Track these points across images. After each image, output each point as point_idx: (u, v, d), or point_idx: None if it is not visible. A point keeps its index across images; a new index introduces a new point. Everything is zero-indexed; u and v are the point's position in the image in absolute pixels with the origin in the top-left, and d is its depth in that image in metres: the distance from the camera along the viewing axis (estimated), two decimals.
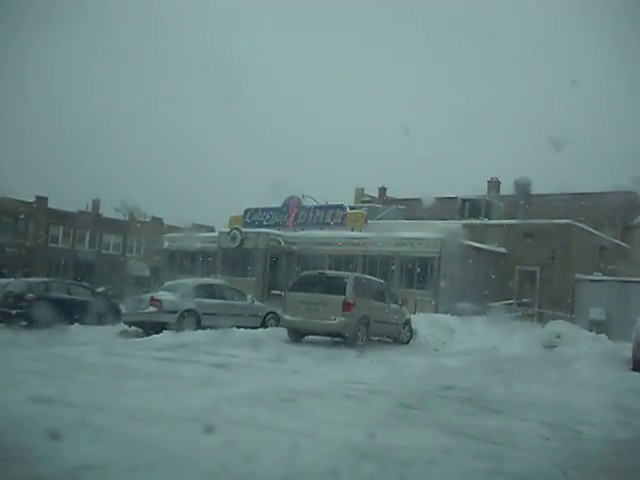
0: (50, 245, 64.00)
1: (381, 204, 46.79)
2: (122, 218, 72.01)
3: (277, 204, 37.96)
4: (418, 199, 44.37)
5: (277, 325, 21.42)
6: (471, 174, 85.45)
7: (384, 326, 20.08)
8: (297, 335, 19.52)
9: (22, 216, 61.03)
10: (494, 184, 47.70)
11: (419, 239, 30.25)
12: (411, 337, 21.11)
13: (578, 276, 31.45)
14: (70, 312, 21.23)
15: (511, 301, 30.43)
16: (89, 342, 17.17)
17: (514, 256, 32.18)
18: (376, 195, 53.25)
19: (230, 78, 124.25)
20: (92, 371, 11.56)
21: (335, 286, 19.33)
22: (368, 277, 22.81)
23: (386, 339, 20.46)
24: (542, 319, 26.68)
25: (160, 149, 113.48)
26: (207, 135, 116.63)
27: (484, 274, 30.24)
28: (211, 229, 43.49)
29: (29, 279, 26.42)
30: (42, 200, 62.98)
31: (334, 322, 18.56)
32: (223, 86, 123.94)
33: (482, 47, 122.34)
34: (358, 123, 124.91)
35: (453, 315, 24.21)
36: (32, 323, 21.07)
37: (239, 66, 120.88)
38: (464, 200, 39.72)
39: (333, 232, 33.50)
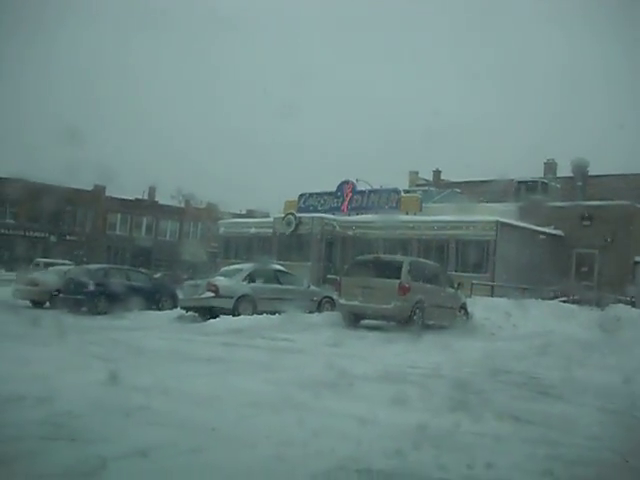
0: (108, 232, 65.07)
1: (436, 187, 46.45)
2: (178, 205, 72.79)
3: (331, 189, 37.97)
4: (473, 182, 44.03)
5: (333, 309, 21.46)
6: (527, 156, 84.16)
7: (440, 310, 19.94)
8: (353, 319, 19.52)
9: (81, 204, 62.10)
10: (550, 165, 46.95)
11: (474, 222, 29.99)
12: (467, 321, 20.95)
13: (639, 259, 30.88)
14: (128, 298, 21.56)
15: (569, 284, 29.96)
16: (147, 327, 17.44)
17: (572, 239, 31.70)
18: (431, 178, 52.90)
19: (285, 62, 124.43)
20: (151, 356, 11.74)
21: (390, 270, 19.28)
22: (423, 261, 22.72)
23: (442, 323, 20.35)
24: (601, 303, 26.24)
25: (215, 136, 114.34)
26: (261, 121, 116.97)
27: (541, 257, 29.85)
28: (266, 215, 43.76)
29: (89, 266, 26.91)
30: (100, 188, 64.00)
31: (389, 306, 18.54)
32: (279, 71, 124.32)
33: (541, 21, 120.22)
34: (412, 105, 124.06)
35: (509, 299, 23.95)
36: (92, 309, 21.51)
37: (293, 50, 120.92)
38: (520, 182, 39.24)
39: (388, 216, 33.37)
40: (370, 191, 36.95)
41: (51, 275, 25.25)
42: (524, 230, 30.32)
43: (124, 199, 65.19)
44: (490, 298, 25.12)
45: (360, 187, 37.46)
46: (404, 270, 19.18)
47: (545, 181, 40.36)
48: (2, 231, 59.38)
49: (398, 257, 21.96)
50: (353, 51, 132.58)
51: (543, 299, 24.56)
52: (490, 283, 28.09)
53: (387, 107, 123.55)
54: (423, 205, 34.72)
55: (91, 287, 22.05)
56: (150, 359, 11.28)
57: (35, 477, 4.88)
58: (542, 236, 31.08)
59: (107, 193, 64.37)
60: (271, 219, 37.70)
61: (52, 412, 6.69)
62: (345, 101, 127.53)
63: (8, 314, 20.57)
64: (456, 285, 21.53)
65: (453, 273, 26.31)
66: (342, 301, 19.66)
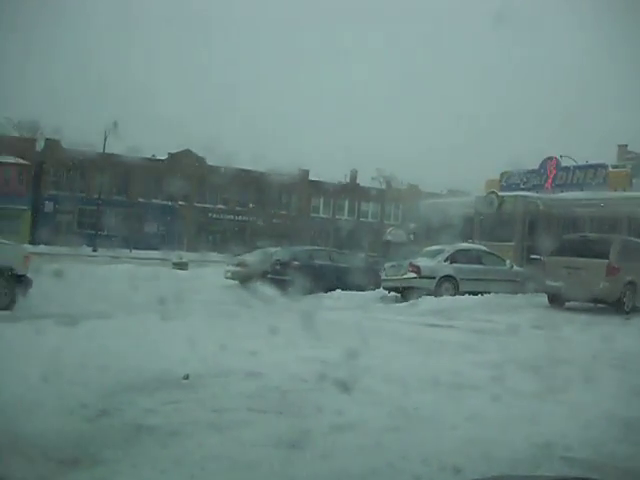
0: (312, 215, 66.99)
1: None
2: (379, 186, 73.58)
3: (534, 166, 37.02)
4: None
5: (537, 291, 20.96)
6: None
7: None
8: (558, 301, 18.98)
9: (286, 189, 64.37)
10: None
11: None
12: None
13: None
14: (332, 278, 22.14)
15: None
16: (351, 307, 17.80)
17: None
18: None
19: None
20: (354, 335, 11.99)
21: (598, 250, 18.54)
22: (635, 240, 21.62)
23: None
24: None
25: (414, 116, 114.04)
26: (465, 101, 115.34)
27: None
28: (467, 194, 43.31)
29: (294, 247, 27.79)
30: (304, 173, 65.97)
31: (597, 287, 17.82)
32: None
33: None
34: (621, 73, 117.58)
35: None
36: (298, 289, 22.24)
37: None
38: None
39: (595, 193, 32.06)
40: (575, 167, 35.66)
41: (259, 257, 26.36)
42: None
43: (327, 182, 66.75)
44: None
45: (564, 163, 36.27)
46: (613, 250, 18.39)
47: None
48: (214, 216, 62.76)
49: (607, 236, 21.05)
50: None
51: None
52: None
53: (590, 75, 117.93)
54: (633, 181, 33.02)
55: (296, 267, 22.83)
56: (353, 338, 11.51)
57: (246, 445, 5.20)
58: None
59: (310, 177, 66.26)
60: (472, 199, 37.30)
61: (261, 386, 7.09)
62: (547, 74, 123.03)
63: (222, 294, 21.71)
64: None
65: None
66: (547, 282, 19.14)
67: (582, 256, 18.42)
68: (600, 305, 18.48)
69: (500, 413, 6.38)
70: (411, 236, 46.53)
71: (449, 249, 21.98)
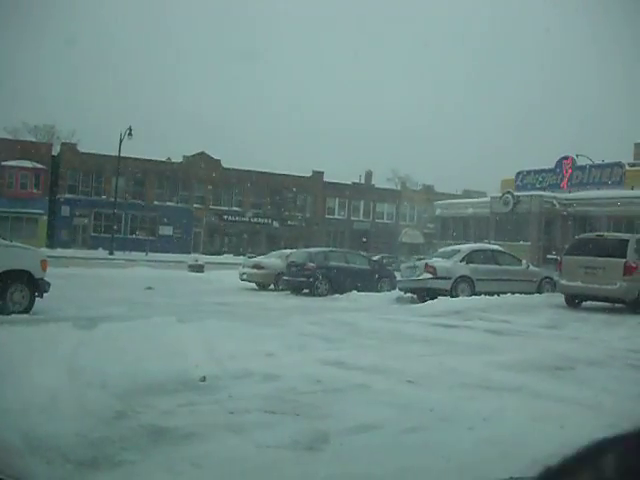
0: (327, 216, 66.99)
1: None
2: (394, 187, 73.59)
3: (550, 165, 36.89)
4: None
5: (553, 290, 20.88)
6: None
7: None
8: (574, 301, 18.90)
9: (301, 190, 64.49)
10: None
11: None
12: None
13: None
14: (348, 280, 22.19)
15: None
16: (366, 308, 17.80)
17: None
18: None
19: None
20: (370, 336, 11.99)
21: (615, 249, 18.40)
22: None
23: None
24: None
25: (429, 117, 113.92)
26: (480, 102, 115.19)
27: None
28: (482, 194, 43.28)
29: (309, 249, 27.83)
30: (318, 174, 66.06)
31: (614, 287, 17.69)
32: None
33: None
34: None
35: None
36: (313, 290, 22.31)
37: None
38: None
39: (611, 192, 31.89)
40: (591, 166, 35.51)
41: (275, 259, 26.45)
42: None
43: (341, 183, 66.79)
44: None
45: (580, 162, 36.11)
46: (630, 248, 18.22)
47: None
48: (230, 218, 62.84)
49: (623, 235, 20.88)
50: None
51: None
52: None
53: (604, 75, 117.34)
54: None
55: (312, 270, 22.85)
56: (369, 339, 11.52)
57: (263, 447, 5.21)
58: None
59: (325, 178, 66.34)
60: (488, 199, 37.25)
61: (278, 388, 7.10)
62: (560, 74, 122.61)
63: (238, 296, 21.74)
64: None
65: None
66: (563, 282, 19.04)
67: (599, 255, 18.31)
68: (617, 305, 18.37)
69: (519, 414, 6.35)
70: (424, 237, 46.55)
71: (465, 249, 21.94)
